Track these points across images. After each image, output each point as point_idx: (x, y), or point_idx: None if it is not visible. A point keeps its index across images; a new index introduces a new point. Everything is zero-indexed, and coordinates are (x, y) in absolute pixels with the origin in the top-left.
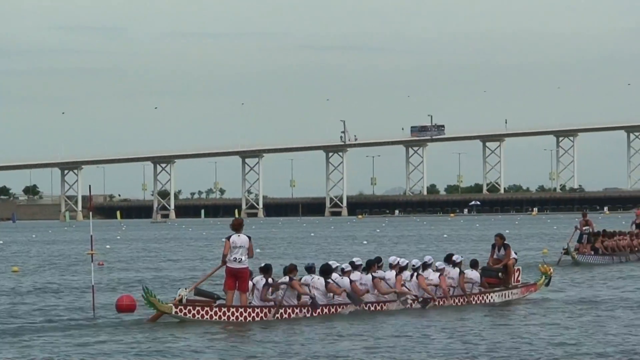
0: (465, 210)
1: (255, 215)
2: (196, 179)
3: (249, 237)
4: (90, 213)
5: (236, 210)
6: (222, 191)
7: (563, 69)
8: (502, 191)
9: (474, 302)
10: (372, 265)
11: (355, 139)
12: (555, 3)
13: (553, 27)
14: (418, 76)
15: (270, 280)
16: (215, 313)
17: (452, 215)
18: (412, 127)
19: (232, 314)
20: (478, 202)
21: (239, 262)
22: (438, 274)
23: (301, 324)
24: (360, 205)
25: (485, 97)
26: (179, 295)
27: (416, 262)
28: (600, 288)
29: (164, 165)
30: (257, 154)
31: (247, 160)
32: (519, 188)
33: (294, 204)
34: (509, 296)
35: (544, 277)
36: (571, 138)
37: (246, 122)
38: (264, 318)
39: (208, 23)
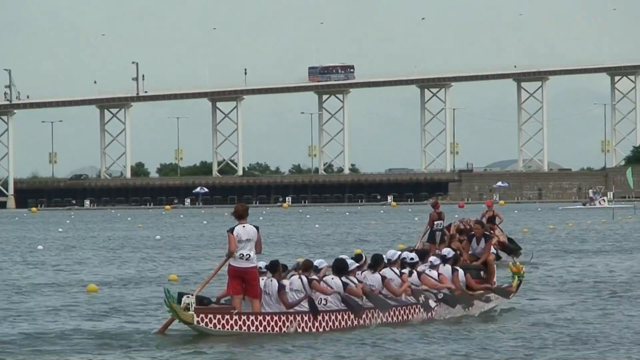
0: (188, 201)
1: None
2: None
3: (257, 228)
4: None
5: None
6: None
7: None
8: (240, 173)
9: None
10: (379, 261)
11: (27, 97)
12: None
13: None
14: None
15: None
16: (236, 322)
17: (168, 207)
18: (310, 68)
19: (260, 322)
20: (205, 189)
21: (247, 259)
22: (435, 272)
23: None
24: (35, 193)
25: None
26: (184, 303)
27: (413, 255)
28: None
29: None
30: None
31: None
32: (266, 169)
33: None
34: (493, 300)
35: (516, 277)
36: (339, 96)
37: None
38: (297, 327)
39: None
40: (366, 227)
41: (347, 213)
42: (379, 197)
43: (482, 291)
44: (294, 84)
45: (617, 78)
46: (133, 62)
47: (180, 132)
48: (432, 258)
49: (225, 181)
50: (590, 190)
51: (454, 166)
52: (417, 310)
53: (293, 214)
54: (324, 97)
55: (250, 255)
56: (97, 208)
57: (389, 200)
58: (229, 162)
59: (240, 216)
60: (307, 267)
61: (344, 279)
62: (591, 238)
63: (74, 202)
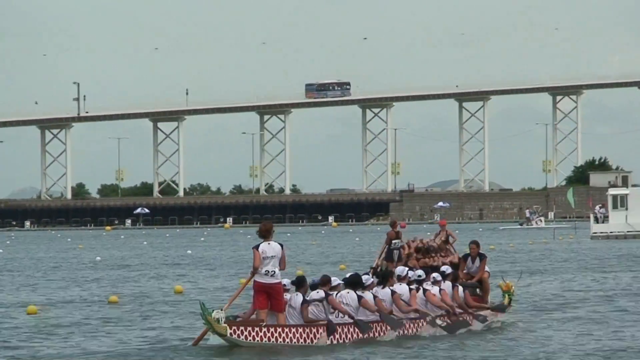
0: (129, 221)
1: None
2: None
3: (282, 245)
4: None
5: None
6: None
7: None
8: (181, 193)
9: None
10: (389, 277)
11: None
12: None
13: None
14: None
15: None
16: (265, 334)
17: (108, 228)
18: (307, 85)
19: (287, 334)
20: (146, 210)
21: (272, 275)
22: (437, 288)
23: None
24: None
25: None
26: (214, 317)
27: (421, 272)
28: None
29: None
30: None
31: None
32: (207, 189)
33: None
34: (489, 317)
35: (507, 295)
36: (281, 116)
37: None
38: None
39: None
40: (309, 248)
41: (289, 234)
42: (320, 217)
43: (479, 308)
44: (235, 104)
45: (558, 98)
46: (74, 83)
47: (121, 153)
48: (434, 274)
49: (166, 202)
50: (527, 210)
51: (395, 186)
52: (423, 324)
53: (234, 234)
54: (265, 117)
55: (275, 272)
56: (37, 229)
57: (330, 220)
58: (170, 182)
59: (264, 235)
60: (325, 282)
61: (359, 292)
62: (536, 258)
63: (14, 223)
